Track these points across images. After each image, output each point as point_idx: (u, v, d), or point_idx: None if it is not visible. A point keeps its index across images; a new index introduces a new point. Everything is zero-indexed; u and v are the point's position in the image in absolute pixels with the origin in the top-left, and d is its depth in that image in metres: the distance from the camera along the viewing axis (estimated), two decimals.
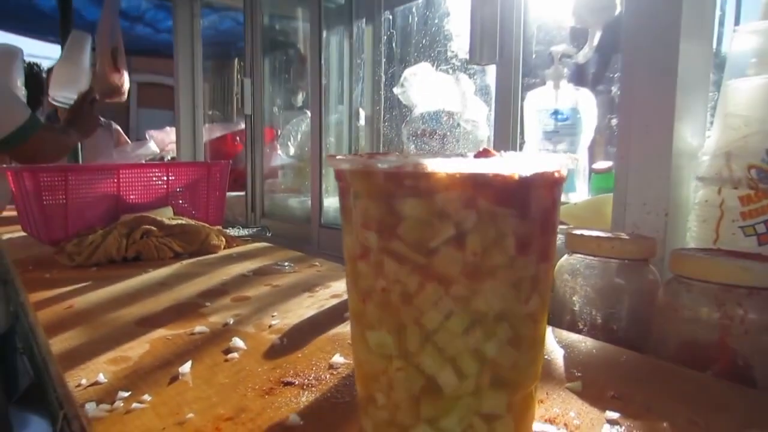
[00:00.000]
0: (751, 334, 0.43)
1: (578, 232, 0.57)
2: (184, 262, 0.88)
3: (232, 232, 1.05)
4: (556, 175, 0.26)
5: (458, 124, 1.19)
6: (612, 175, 0.82)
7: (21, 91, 1.69)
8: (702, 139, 0.63)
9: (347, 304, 0.31)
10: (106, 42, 1.63)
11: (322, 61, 1.28)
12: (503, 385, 0.27)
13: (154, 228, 0.88)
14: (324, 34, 1.33)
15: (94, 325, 0.56)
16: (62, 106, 1.88)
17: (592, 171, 1.13)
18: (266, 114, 1.59)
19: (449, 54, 1.13)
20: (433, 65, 1.14)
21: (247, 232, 1.09)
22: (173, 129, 2.00)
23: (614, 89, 1.14)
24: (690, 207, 0.62)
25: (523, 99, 1.09)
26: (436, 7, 1.19)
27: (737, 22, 0.94)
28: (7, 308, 1.30)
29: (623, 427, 0.34)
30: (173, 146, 2.00)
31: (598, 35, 1.00)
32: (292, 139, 1.57)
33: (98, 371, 0.44)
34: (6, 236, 1.16)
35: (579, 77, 1.17)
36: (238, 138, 1.97)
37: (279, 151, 1.62)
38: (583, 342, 0.50)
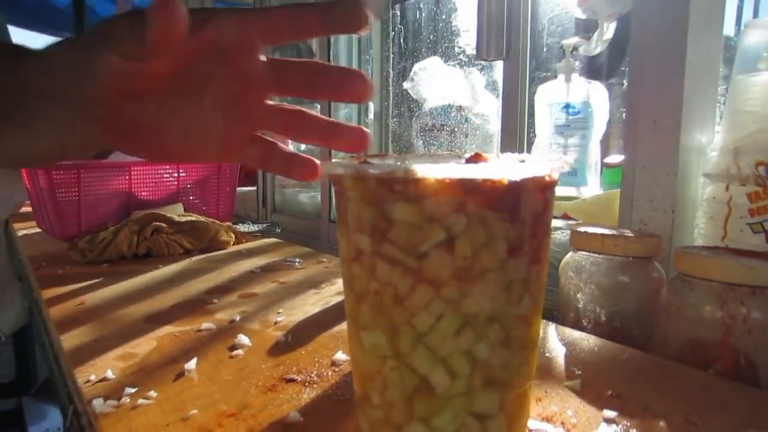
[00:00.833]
0: (753, 333, 0.43)
1: (582, 229, 0.57)
2: (194, 258, 0.89)
3: (241, 228, 1.06)
4: (547, 179, 0.26)
5: (468, 119, 1.19)
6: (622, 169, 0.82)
7: None
8: (711, 135, 0.62)
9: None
10: None
11: (331, 57, 1.28)
12: (495, 384, 0.27)
13: (164, 225, 0.89)
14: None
15: (104, 321, 0.57)
16: None
17: (604, 165, 1.12)
18: None
19: (457, 49, 1.13)
20: (442, 60, 1.13)
21: (256, 228, 1.10)
22: None
23: (626, 82, 1.13)
24: (697, 204, 0.62)
25: (533, 93, 1.08)
26: (445, 2, 1.18)
27: (756, 15, 0.93)
28: (23, 304, 1.32)
29: (620, 426, 0.34)
30: None
31: (611, 27, 1.00)
32: None
33: (107, 367, 0.44)
34: (21, 232, 1.19)
35: (591, 70, 1.16)
36: None
37: (290, 146, 1.62)
38: (586, 340, 0.50)
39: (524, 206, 0.25)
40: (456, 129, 1.17)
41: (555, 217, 0.98)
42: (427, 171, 0.24)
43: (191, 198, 1.11)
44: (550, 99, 1.11)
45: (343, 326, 0.55)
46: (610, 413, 0.35)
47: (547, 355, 0.46)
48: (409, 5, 1.31)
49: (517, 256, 0.26)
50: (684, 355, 0.46)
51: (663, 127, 0.61)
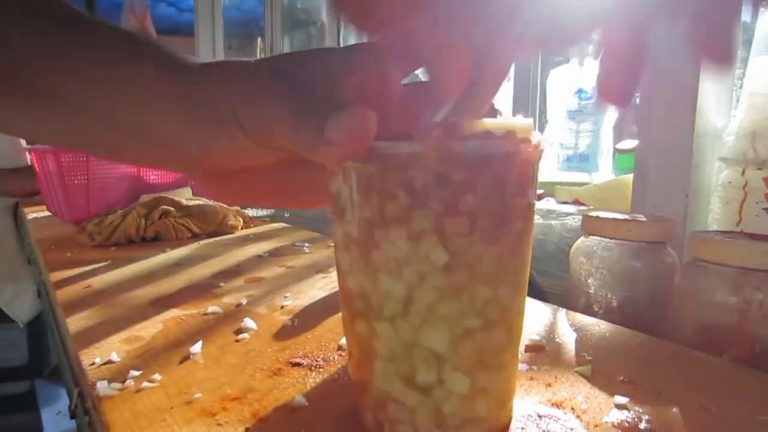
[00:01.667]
0: None
1: (594, 214, 0.56)
2: (201, 242, 0.89)
3: (250, 212, 1.06)
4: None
5: None
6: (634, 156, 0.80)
7: None
8: (727, 119, 0.61)
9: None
10: (134, 23, 1.64)
11: (341, 40, 1.27)
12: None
13: (172, 208, 0.89)
14: None
15: (111, 304, 0.57)
16: None
17: (616, 151, 1.10)
18: None
19: None
20: None
21: (265, 213, 1.09)
22: None
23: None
24: (712, 189, 0.61)
25: (545, 78, 1.06)
26: None
27: None
28: (36, 291, 1.33)
29: (631, 412, 0.33)
30: None
31: None
32: None
33: (112, 350, 0.44)
34: (31, 216, 1.19)
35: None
36: None
37: None
38: (597, 325, 0.49)
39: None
40: None
41: (565, 203, 0.97)
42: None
43: None
44: (562, 84, 1.10)
45: None
46: (622, 399, 0.35)
47: (557, 340, 0.46)
48: None
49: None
50: (697, 342, 0.45)
51: (678, 112, 0.60)
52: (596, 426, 0.32)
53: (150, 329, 0.50)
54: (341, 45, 1.28)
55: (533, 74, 0.94)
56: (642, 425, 0.32)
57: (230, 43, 2.11)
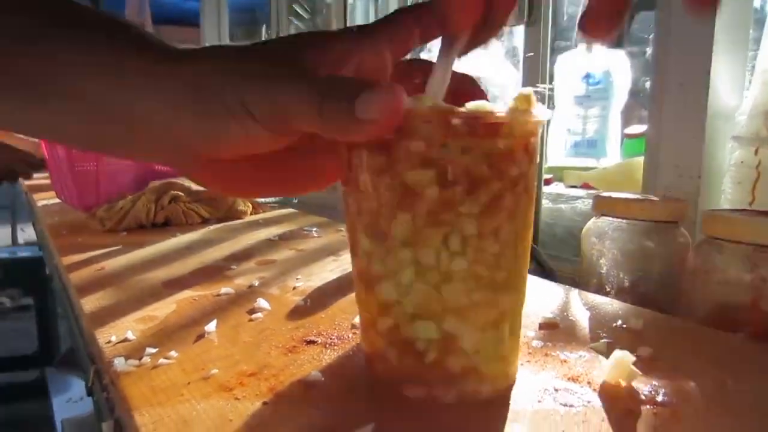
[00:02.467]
0: None
1: (606, 194, 0.56)
2: (211, 227, 0.89)
3: (258, 198, 1.06)
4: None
5: (487, 90, 1.17)
6: (644, 140, 0.80)
7: None
8: (740, 99, 0.60)
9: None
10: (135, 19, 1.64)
11: (347, 24, 1.26)
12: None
13: (182, 194, 0.89)
14: None
15: (123, 286, 0.57)
16: None
17: (624, 136, 1.10)
18: None
19: None
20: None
21: (273, 199, 1.10)
22: None
23: (649, 50, 1.10)
24: (725, 169, 0.60)
25: (553, 63, 1.06)
26: None
27: None
28: None
29: (648, 386, 0.34)
30: None
31: None
32: None
33: (127, 329, 0.45)
34: (41, 203, 1.20)
35: (613, 39, 1.13)
36: None
37: None
38: (610, 304, 0.49)
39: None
40: None
41: (574, 186, 0.97)
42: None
43: None
44: (570, 69, 1.09)
45: None
46: (638, 373, 0.35)
47: (570, 318, 0.46)
48: None
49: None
50: (712, 321, 0.45)
51: (690, 91, 0.59)
52: (614, 398, 0.32)
53: (164, 309, 0.50)
54: (347, 22, 1.27)
55: (541, 59, 0.94)
56: (659, 398, 0.32)
57: (234, 31, 2.10)
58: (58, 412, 1.72)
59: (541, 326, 0.44)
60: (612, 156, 1.05)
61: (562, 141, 1.13)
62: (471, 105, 0.29)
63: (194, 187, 0.92)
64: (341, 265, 0.65)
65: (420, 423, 0.31)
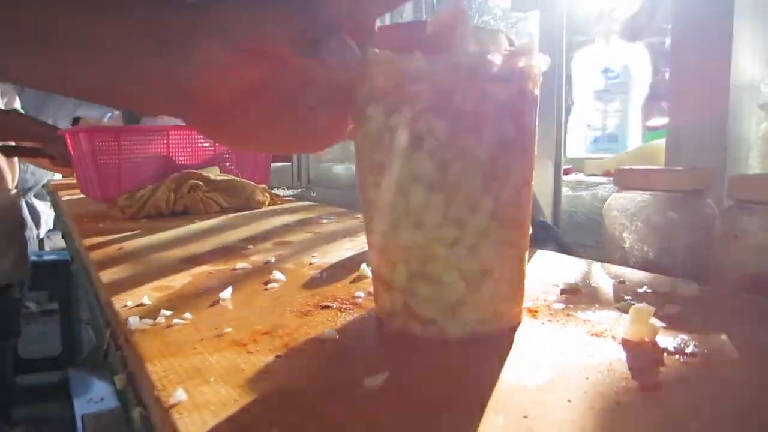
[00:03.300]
0: None
1: (627, 167, 0.54)
2: (230, 215, 0.90)
3: (277, 191, 1.06)
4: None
5: None
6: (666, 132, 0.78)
7: None
8: (765, 69, 0.59)
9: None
10: None
11: None
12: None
13: (200, 183, 0.89)
14: None
15: (142, 262, 0.58)
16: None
17: (646, 129, 1.08)
18: None
19: (491, 3, 1.10)
20: (474, 18, 1.11)
21: (292, 192, 1.10)
22: None
23: (668, 41, 1.08)
24: (751, 143, 0.59)
25: (570, 59, 1.05)
26: None
27: None
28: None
29: (677, 339, 0.32)
30: None
31: None
32: None
33: (143, 295, 0.44)
34: (65, 198, 1.22)
35: (631, 32, 1.12)
36: None
37: None
38: (634, 273, 0.48)
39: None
40: None
41: (594, 175, 0.95)
42: None
43: (227, 165, 1.12)
44: (588, 63, 1.08)
45: None
46: (666, 327, 0.33)
47: (592, 285, 0.44)
48: None
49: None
50: (744, 289, 0.44)
51: (712, 63, 0.58)
52: (640, 351, 0.31)
53: (180, 280, 0.50)
54: None
55: (557, 55, 0.93)
56: (689, 349, 0.31)
57: None
58: (79, 411, 1.73)
59: (563, 291, 0.42)
60: (631, 149, 1.03)
61: (582, 136, 1.12)
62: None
63: (213, 177, 0.92)
64: (357, 244, 0.65)
65: (433, 366, 0.30)
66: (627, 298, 0.40)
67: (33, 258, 2.36)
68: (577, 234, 0.83)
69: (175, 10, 0.29)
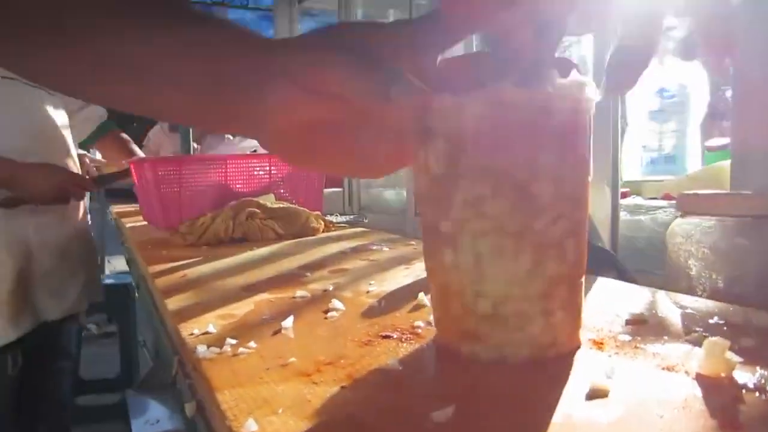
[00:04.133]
0: None
1: (691, 192, 0.53)
2: (286, 242, 0.91)
3: (330, 218, 1.08)
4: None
5: None
6: (728, 152, 0.76)
7: None
8: None
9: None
10: None
11: None
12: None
13: (258, 210, 0.92)
14: None
15: (205, 289, 0.59)
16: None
17: (706, 149, 1.05)
18: None
19: None
20: None
21: (344, 219, 1.11)
22: None
23: (727, 59, 1.05)
24: None
25: None
26: None
27: None
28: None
29: (756, 374, 0.31)
30: None
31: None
32: None
33: (208, 323, 0.46)
34: (129, 225, 1.27)
35: (686, 51, 1.10)
36: None
37: None
38: (703, 303, 0.46)
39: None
40: None
41: (653, 198, 0.93)
42: None
43: (282, 191, 1.15)
44: (642, 84, 1.06)
45: None
46: (742, 362, 0.32)
47: (659, 315, 0.43)
48: None
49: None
50: None
51: None
52: (716, 387, 0.30)
53: (242, 308, 0.51)
54: None
55: None
56: None
57: None
58: None
59: (628, 322, 0.41)
60: (693, 170, 1.00)
61: (638, 157, 1.10)
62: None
63: (269, 204, 0.95)
64: (413, 272, 0.65)
65: (498, 396, 0.30)
66: (698, 329, 0.39)
67: None
68: (636, 260, 0.80)
69: (251, 49, 0.32)
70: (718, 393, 0.29)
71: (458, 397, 0.30)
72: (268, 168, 1.13)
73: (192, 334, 0.44)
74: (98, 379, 2.31)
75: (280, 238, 0.94)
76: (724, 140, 1.00)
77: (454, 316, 0.36)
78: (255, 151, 1.25)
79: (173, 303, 0.54)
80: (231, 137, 1.95)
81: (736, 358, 0.32)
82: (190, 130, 1.50)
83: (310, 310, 0.50)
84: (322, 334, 0.43)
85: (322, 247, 0.85)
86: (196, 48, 0.32)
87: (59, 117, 1.24)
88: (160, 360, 0.62)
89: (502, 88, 0.31)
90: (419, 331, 0.43)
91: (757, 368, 0.32)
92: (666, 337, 0.38)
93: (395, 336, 0.42)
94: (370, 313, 0.49)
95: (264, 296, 0.56)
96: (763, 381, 0.30)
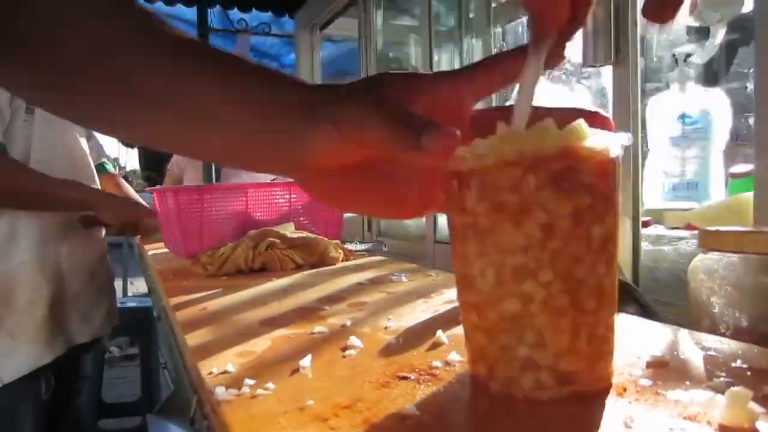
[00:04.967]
0: None
1: (713, 228, 0.52)
2: (305, 272, 0.92)
3: (349, 246, 1.09)
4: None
5: None
6: (752, 179, 0.75)
7: None
8: None
9: (460, 309, 0.39)
10: None
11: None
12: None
13: (277, 240, 0.93)
14: (435, 56, 1.35)
15: (224, 324, 0.60)
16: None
17: (729, 175, 1.03)
18: None
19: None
20: (545, 75, 1.11)
21: (363, 247, 1.12)
22: None
23: (749, 86, 1.04)
24: None
25: (645, 106, 1.03)
26: None
27: None
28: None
29: None
30: None
31: (720, 33, 0.94)
32: None
33: (227, 362, 0.46)
34: (151, 252, 1.29)
35: (708, 78, 1.09)
36: None
37: None
38: (726, 344, 0.45)
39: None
40: None
41: (676, 228, 0.91)
42: None
43: (302, 219, 1.16)
44: (663, 110, 1.05)
45: (456, 331, 0.53)
46: (763, 411, 0.31)
47: (681, 357, 0.42)
48: (511, 26, 1.30)
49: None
50: None
51: None
52: None
53: (260, 345, 0.52)
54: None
55: (632, 102, 0.91)
56: None
57: None
58: None
59: (649, 365, 0.41)
60: (716, 198, 0.99)
61: (660, 184, 1.08)
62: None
63: (289, 234, 0.95)
64: (432, 306, 0.65)
65: None
66: (720, 374, 0.38)
67: (117, 305, 2.49)
68: (659, 291, 0.79)
69: (294, 93, 0.34)
70: None
71: None
72: (288, 196, 1.14)
73: (211, 373, 0.44)
74: (120, 403, 2.32)
75: (299, 267, 0.95)
76: (748, 166, 0.99)
77: (486, 356, 0.37)
78: (274, 179, 1.26)
79: (193, 339, 0.54)
80: None
81: (759, 409, 0.31)
82: None
83: (328, 347, 0.51)
84: (340, 373, 0.44)
85: (340, 278, 0.85)
86: (249, 95, 0.34)
87: (85, 146, 1.27)
88: (180, 385, 0.63)
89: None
90: (437, 372, 0.43)
91: None
92: (688, 383, 0.37)
93: (413, 377, 0.42)
94: (387, 351, 0.49)
95: (282, 332, 0.56)
96: None
